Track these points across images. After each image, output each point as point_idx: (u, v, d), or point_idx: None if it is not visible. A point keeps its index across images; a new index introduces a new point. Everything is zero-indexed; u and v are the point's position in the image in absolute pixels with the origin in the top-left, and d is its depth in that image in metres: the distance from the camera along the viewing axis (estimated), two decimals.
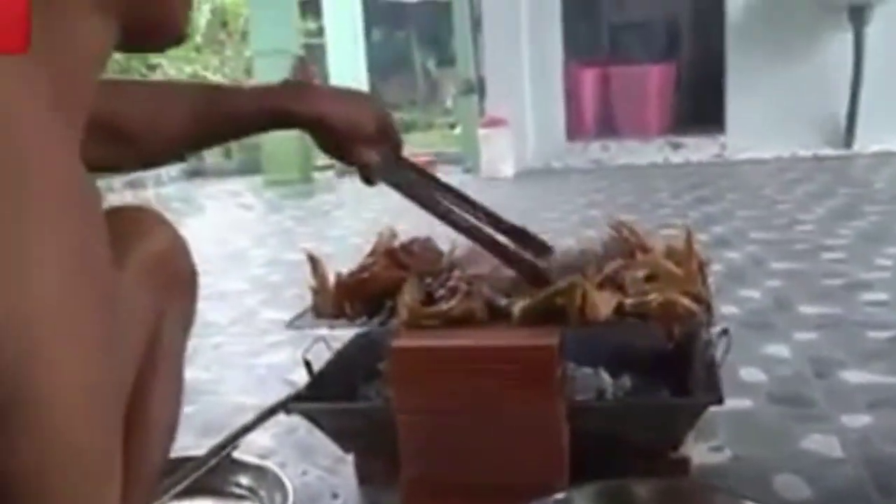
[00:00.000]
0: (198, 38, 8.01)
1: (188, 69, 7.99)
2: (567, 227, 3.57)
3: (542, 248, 1.35)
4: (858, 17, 5.07)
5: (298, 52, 6.42)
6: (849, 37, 5.11)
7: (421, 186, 1.24)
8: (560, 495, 1.01)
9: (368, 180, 1.15)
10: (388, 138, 1.16)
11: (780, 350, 1.94)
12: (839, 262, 2.71)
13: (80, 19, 0.61)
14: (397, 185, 1.18)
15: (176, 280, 0.82)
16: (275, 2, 6.31)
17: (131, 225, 0.77)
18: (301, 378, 1.46)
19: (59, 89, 0.58)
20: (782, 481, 1.35)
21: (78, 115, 0.62)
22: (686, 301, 1.20)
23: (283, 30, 6.36)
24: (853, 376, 1.75)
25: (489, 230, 1.28)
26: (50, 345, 0.53)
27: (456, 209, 1.26)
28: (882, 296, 2.31)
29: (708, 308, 1.25)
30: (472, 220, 1.27)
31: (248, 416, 1.41)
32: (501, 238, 1.30)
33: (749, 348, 1.94)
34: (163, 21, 0.72)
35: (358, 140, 1.10)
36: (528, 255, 1.30)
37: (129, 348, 0.72)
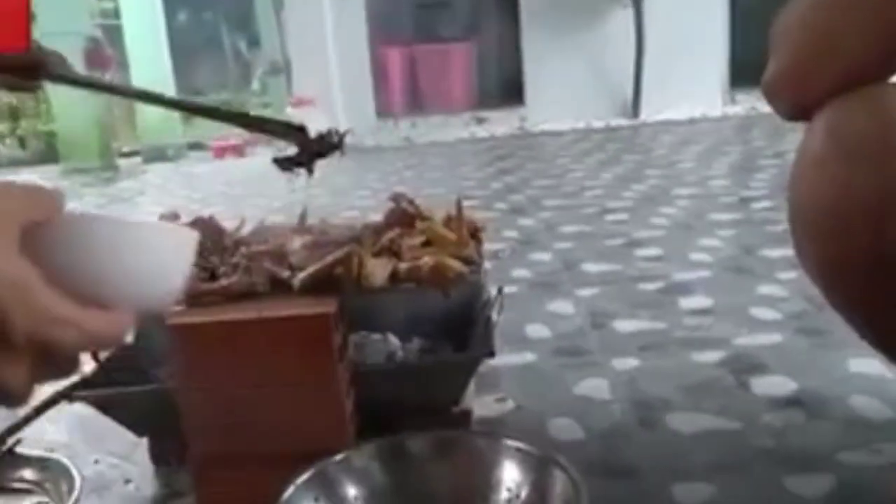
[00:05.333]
0: None
1: None
2: (378, 204, 3.59)
3: None
4: None
5: (92, 34, 6.09)
6: (630, 13, 5.46)
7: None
8: (340, 456, 1.06)
9: None
10: None
11: (564, 307, 2.08)
12: (621, 223, 2.93)
13: None
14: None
15: None
16: None
17: None
18: (90, 364, 1.43)
19: None
20: (557, 425, 1.47)
21: None
22: (455, 263, 1.28)
23: (73, 10, 6.00)
24: (625, 325, 1.92)
25: None
26: None
27: None
28: (655, 251, 2.52)
29: (479, 269, 1.34)
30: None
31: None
32: None
33: (536, 307, 2.07)
34: None
35: None
36: None
37: None
